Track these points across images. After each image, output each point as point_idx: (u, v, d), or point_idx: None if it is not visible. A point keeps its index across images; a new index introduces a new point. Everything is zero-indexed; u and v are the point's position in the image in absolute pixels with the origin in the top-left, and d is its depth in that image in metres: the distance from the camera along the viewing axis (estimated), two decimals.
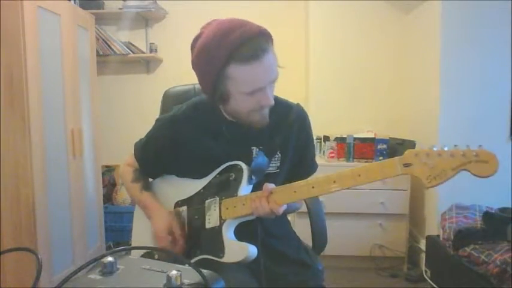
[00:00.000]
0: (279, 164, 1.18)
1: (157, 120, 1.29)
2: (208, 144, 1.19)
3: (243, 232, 1.10)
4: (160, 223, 1.15)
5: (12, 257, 2.15)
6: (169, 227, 1.14)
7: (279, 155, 1.19)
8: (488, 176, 0.87)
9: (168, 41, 3.51)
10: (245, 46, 1.00)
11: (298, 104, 1.27)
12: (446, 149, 0.90)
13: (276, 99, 1.23)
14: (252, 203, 1.05)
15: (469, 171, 0.88)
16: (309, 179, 1.04)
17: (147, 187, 1.27)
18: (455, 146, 0.90)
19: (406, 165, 0.94)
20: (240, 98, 1.07)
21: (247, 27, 1.02)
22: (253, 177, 1.11)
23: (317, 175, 1.06)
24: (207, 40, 1.03)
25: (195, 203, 1.17)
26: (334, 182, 1.00)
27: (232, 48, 1.00)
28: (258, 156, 1.14)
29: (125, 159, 1.35)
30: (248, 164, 1.13)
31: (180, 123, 1.20)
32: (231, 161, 1.15)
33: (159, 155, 1.24)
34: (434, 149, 0.91)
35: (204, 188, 1.17)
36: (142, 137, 1.29)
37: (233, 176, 1.12)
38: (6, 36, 2.13)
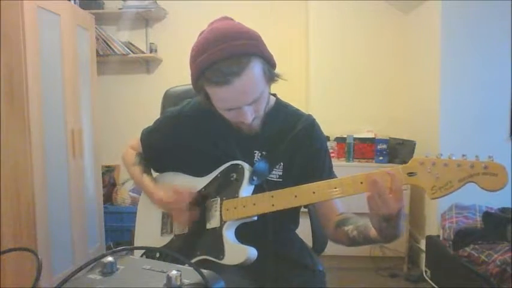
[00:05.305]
0: (281, 173, 1.16)
1: (165, 111, 1.31)
2: (209, 143, 1.19)
3: (247, 234, 1.10)
4: (163, 191, 1.15)
5: (12, 257, 2.15)
6: (172, 189, 1.13)
7: (282, 164, 1.16)
8: (496, 191, 0.82)
9: (168, 41, 3.51)
10: (211, 70, 0.97)
11: (309, 115, 1.22)
12: (454, 158, 0.85)
13: (286, 107, 1.23)
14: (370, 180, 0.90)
15: (476, 183, 0.83)
16: (311, 184, 1.02)
17: (148, 171, 1.28)
18: (463, 155, 0.85)
19: (411, 174, 0.89)
20: (220, 110, 1.08)
21: (218, 49, 0.96)
22: (254, 178, 1.10)
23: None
24: (191, 50, 1.03)
25: (196, 202, 1.17)
26: (335, 188, 0.98)
27: (200, 69, 0.99)
28: (260, 161, 1.13)
29: (129, 142, 1.36)
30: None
31: (184, 120, 1.21)
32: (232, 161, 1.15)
33: (161, 146, 1.25)
34: (441, 157, 0.86)
35: (205, 187, 1.17)
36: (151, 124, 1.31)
37: (234, 176, 1.12)
38: (6, 36, 2.13)
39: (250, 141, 1.15)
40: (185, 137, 1.20)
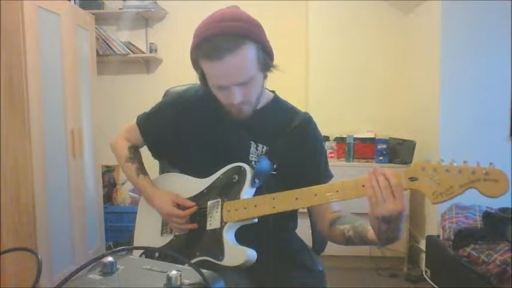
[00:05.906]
0: (275, 166, 1.16)
1: (166, 94, 1.36)
2: (206, 129, 1.19)
3: (246, 233, 1.10)
4: (163, 199, 1.18)
5: (12, 257, 2.15)
6: (173, 199, 1.17)
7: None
8: (497, 197, 0.83)
9: (168, 41, 3.51)
10: (207, 44, 1.01)
11: (305, 113, 1.24)
12: (455, 164, 0.86)
13: (283, 103, 1.25)
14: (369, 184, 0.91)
15: (477, 189, 0.84)
16: (313, 186, 1.02)
17: (144, 171, 1.28)
18: (464, 162, 0.86)
19: (412, 179, 0.90)
20: (213, 89, 1.10)
21: (218, 25, 1.00)
22: (256, 180, 1.10)
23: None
24: (195, 29, 1.07)
25: (198, 203, 1.17)
26: (337, 191, 0.99)
27: (198, 42, 1.03)
28: (262, 160, 1.13)
29: (120, 131, 1.37)
30: (245, 157, 1.14)
31: (184, 104, 1.23)
32: (228, 150, 1.16)
33: (162, 127, 1.25)
34: (443, 163, 0.87)
35: (207, 188, 1.17)
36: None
37: (236, 178, 1.12)
38: (6, 36, 2.13)
39: (247, 131, 1.17)
40: (183, 122, 1.22)
